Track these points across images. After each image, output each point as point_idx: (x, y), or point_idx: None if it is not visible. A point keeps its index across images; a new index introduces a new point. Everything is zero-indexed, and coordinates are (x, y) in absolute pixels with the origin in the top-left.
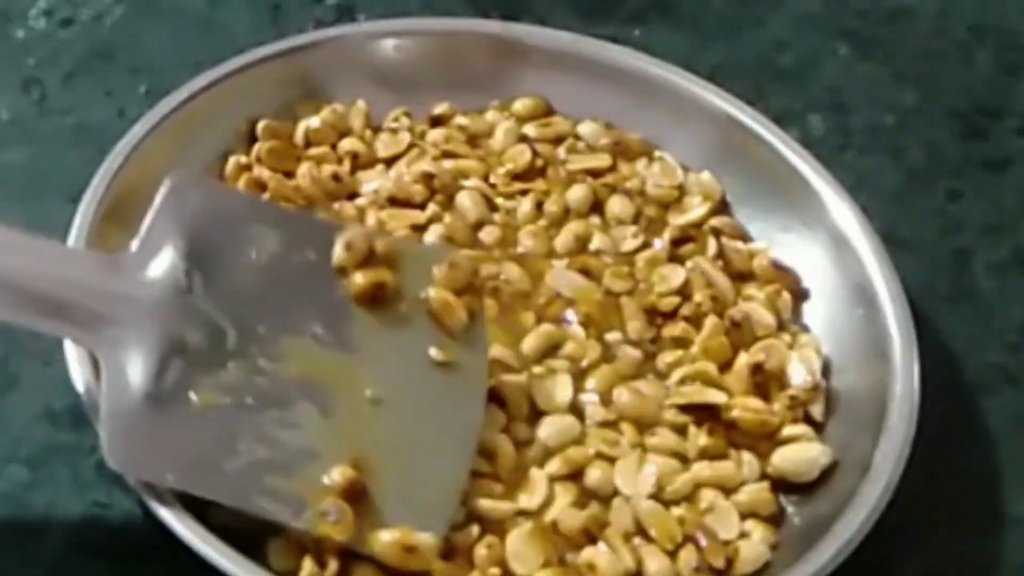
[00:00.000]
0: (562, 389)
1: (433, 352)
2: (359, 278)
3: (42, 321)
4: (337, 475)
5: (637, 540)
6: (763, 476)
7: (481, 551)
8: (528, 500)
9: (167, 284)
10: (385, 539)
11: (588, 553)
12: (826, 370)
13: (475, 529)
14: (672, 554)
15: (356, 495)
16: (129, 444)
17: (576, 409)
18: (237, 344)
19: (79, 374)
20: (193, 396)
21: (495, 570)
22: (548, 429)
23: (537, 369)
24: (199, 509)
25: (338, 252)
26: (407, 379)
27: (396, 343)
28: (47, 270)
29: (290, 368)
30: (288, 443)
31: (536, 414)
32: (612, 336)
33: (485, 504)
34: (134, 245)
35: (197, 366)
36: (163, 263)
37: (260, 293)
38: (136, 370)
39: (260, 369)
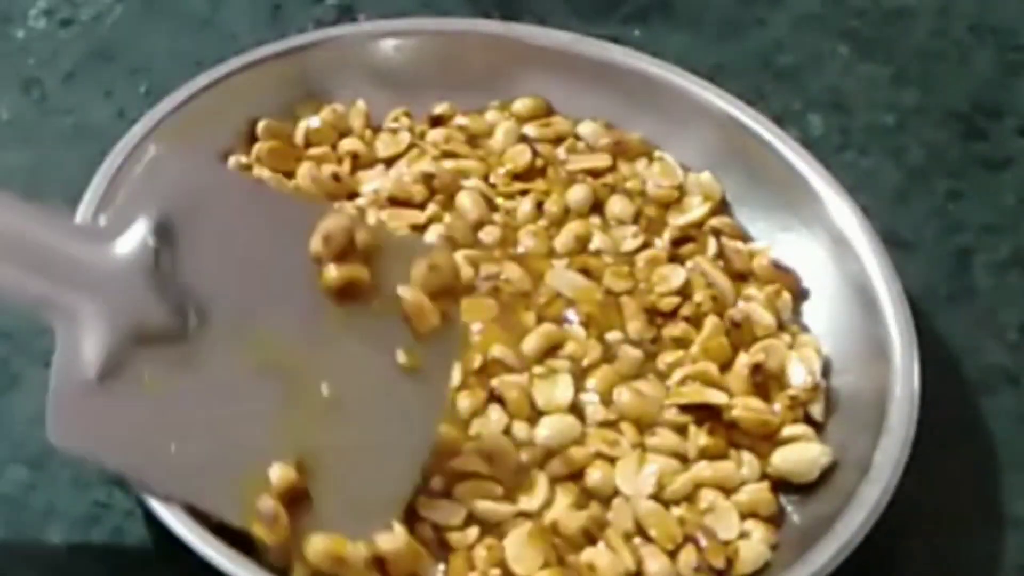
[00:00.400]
0: (562, 389)
1: (399, 355)
2: (332, 272)
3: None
4: (278, 475)
5: (637, 540)
6: (763, 476)
7: (481, 552)
8: (528, 502)
9: (134, 259)
10: (316, 547)
11: (588, 554)
12: (826, 370)
13: (473, 532)
14: (672, 554)
15: (295, 497)
16: (73, 421)
17: (576, 409)
18: (198, 328)
19: None
20: (144, 378)
21: (495, 571)
22: (548, 429)
23: (538, 369)
24: (199, 509)
25: (315, 241)
26: (368, 380)
27: (363, 341)
28: (12, 225)
29: (249, 357)
30: (234, 436)
31: (537, 414)
32: (612, 336)
33: (485, 506)
34: (108, 215)
35: (153, 347)
36: (134, 237)
37: (230, 276)
38: (90, 345)
39: (217, 356)
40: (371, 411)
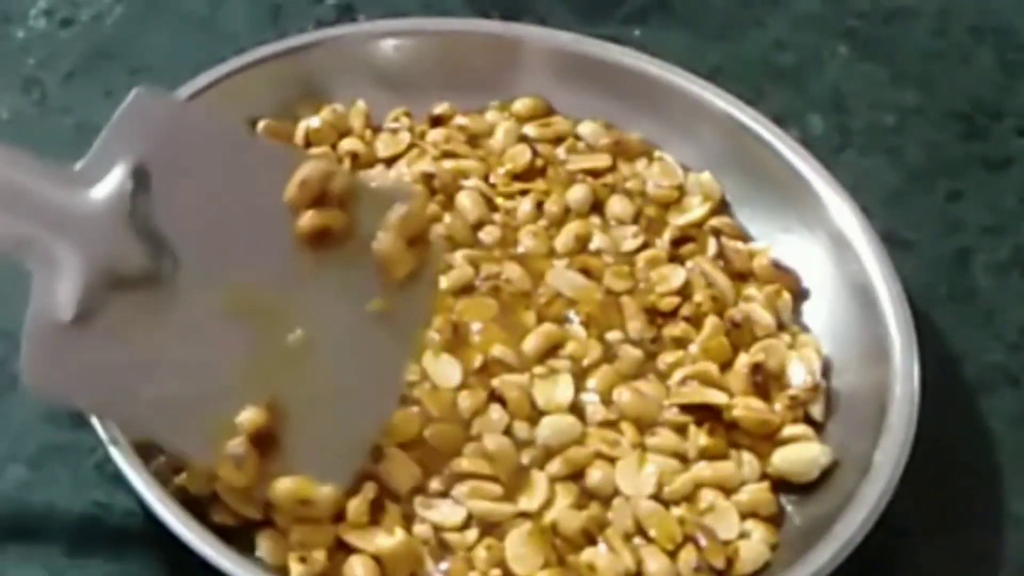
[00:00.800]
0: (563, 389)
1: (371, 302)
2: (306, 219)
3: None
4: (248, 418)
5: (637, 540)
6: (763, 476)
7: (481, 552)
8: (528, 502)
9: (111, 204)
10: (282, 488)
11: (588, 554)
12: (826, 370)
13: (472, 533)
14: (672, 554)
15: (265, 440)
16: (47, 362)
17: (577, 409)
18: (172, 272)
19: None
20: (118, 320)
21: (496, 571)
22: (548, 429)
23: (538, 369)
24: (199, 509)
25: (290, 188)
26: (339, 325)
27: (336, 287)
28: None
29: (222, 301)
30: (206, 378)
31: (537, 414)
32: (613, 336)
33: (485, 506)
34: (85, 158)
35: (127, 291)
36: (111, 181)
37: (206, 221)
38: (65, 287)
39: (190, 300)
40: (341, 356)
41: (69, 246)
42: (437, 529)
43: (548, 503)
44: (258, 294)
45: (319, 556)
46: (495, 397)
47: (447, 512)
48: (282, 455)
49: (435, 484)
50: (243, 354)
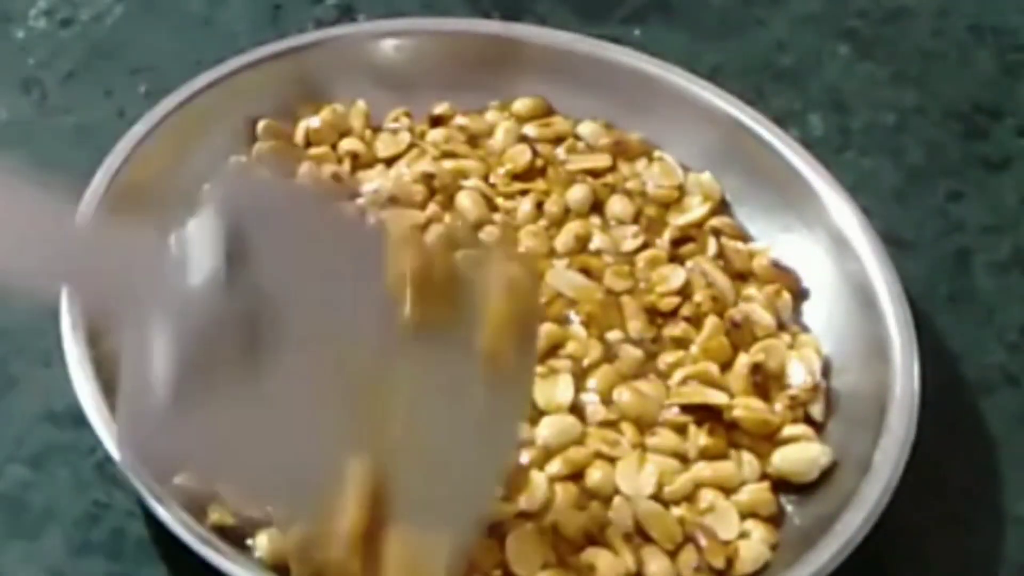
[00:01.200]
0: (563, 389)
1: (475, 389)
2: (412, 312)
3: (78, 288)
4: (347, 521)
5: (637, 540)
6: (763, 476)
7: (481, 552)
8: (528, 502)
9: (206, 274)
10: (394, 553)
11: (589, 554)
12: (826, 370)
13: None
14: (672, 554)
15: (373, 506)
16: (150, 445)
17: (577, 409)
18: (268, 345)
19: (79, 375)
20: (216, 392)
21: (496, 572)
22: (549, 429)
23: (539, 369)
24: (198, 509)
25: (392, 271)
26: (442, 407)
27: (437, 369)
28: (92, 240)
29: (320, 377)
30: (305, 450)
31: (538, 414)
32: (613, 336)
33: None
34: (182, 231)
35: (224, 362)
36: (206, 252)
37: (302, 295)
38: (160, 357)
39: (288, 374)
40: (444, 436)
41: (164, 316)
42: None
43: (548, 503)
44: (360, 365)
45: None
46: None
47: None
48: (386, 523)
49: None
50: (344, 424)
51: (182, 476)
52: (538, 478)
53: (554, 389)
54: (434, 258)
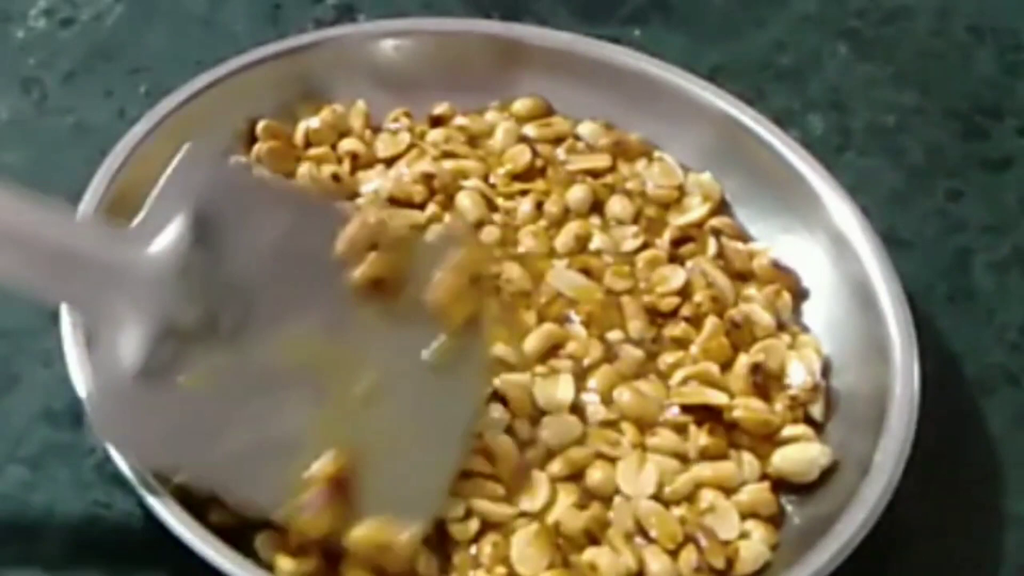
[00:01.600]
0: (564, 389)
1: (429, 351)
2: (359, 271)
3: (41, 283)
4: (322, 467)
5: (638, 540)
6: (763, 476)
7: (486, 548)
8: (530, 502)
9: (167, 262)
10: (360, 534)
11: (590, 553)
12: (826, 370)
13: (474, 524)
14: (673, 554)
15: (339, 489)
16: (116, 418)
17: (577, 409)
18: (232, 328)
19: (79, 375)
20: (182, 377)
21: (501, 569)
22: (549, 429)
23: (539, 369)
24: (199, 509)
25: (341, 243)
26: (402, 375)
27: (393, 339)
28: (52, 234)
29: (283, 356)
30: (275, 432)
31: (539, 414)
32: (613, 336)
33: (487, 507)
34: (139, 218)
35: (189, 347)
36: (166, 240)
37: (261, 278)
38: (128, 345)
39: (252, 355)
40: (408, 404)
41: (128, 302)
42: (438, 521)
43: (550, 504)
44: (321, 346)
45: (312, 555)
46: (496, 396)
47: (448, 505)
48: (356, 504)
49: None
50: (311, 405)
51: (154, 456)
52: (539, 478)
53: (555, 389)
54: (382, 223)
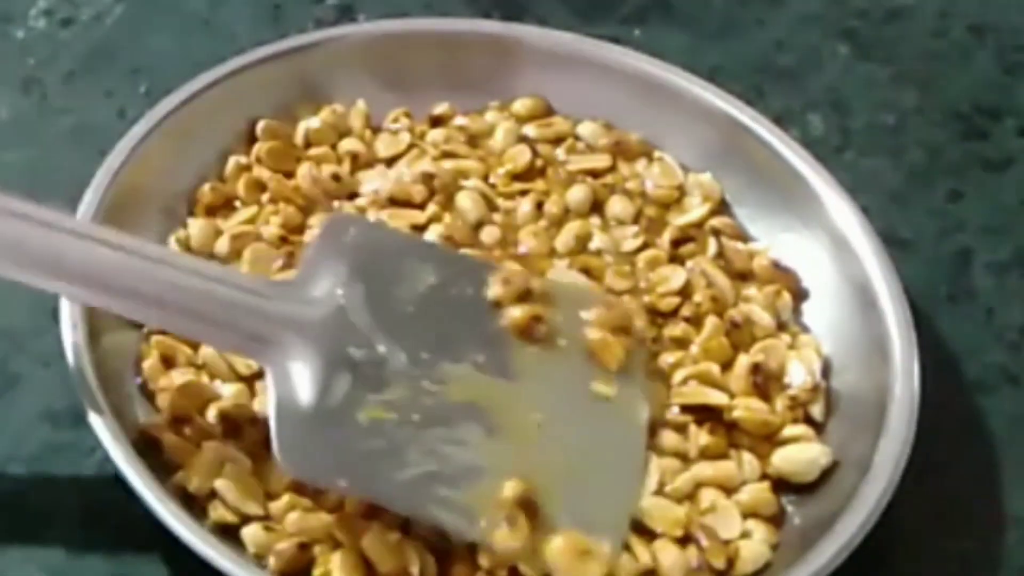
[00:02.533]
0: None
1: (595, 386)
2: (517, 311)
3: (211, 338)
4: (508, 489)
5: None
6: (763, 476)
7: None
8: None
9: (328, 305)
10: (558, 543)
11: None
12: (826, 370)
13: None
14: (682, 542)
15: (528, 508)
16: (300, 451)
17: None
18: (400, 366)
19: (79, 375)
20: (359, 413)
21: (502, 572)
22: None
23: None
24: (198, 509)
25: (495, 287)
26: (569, 408)
27: (556, 375)
28: (215, 291)
29: (452, 391)
30: (455, 458)
31: None
32: None
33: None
34: (297, 271)
35: (361, 384)
36: (324, 288)
37: (419, 322)
38: (303, 385)
39: (423, 390)
40: (580, 434)
41: (299, 347)
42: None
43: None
44: (487, 385)
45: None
46: None
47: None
48: (545, 525)
49: None
50: (484, 436)
51: (343, 482)
52: None
53: None
54: (531, 273)
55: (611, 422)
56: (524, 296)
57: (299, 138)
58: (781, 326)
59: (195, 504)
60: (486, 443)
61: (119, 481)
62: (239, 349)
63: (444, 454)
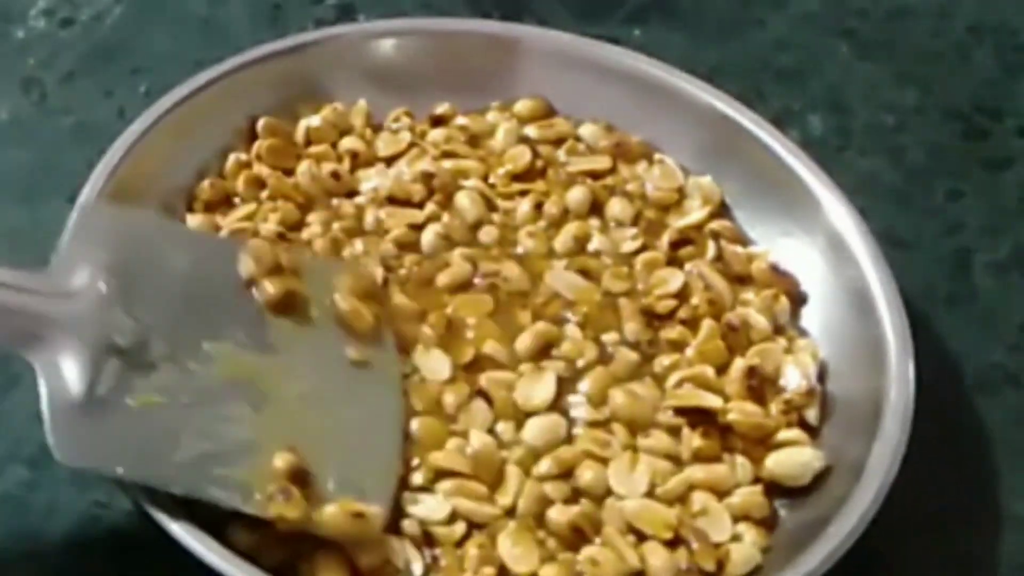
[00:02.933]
0: (544, 387)
1: (348, 352)
2: (270, 286)
3: None
4: (280, 461)
5: (631, 539)
6: (756, 479)
7: (472, 551)
8: (502, 499)
9: (89, 296)
10: (332, 510)
11: (590, 551)
12: (822, 374)
13: (460, 527)
14: (671, 544)
15: (300, 478)
16: (75, 442)
17: (565, 409)
18: (164, 349)
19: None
20: (129, 399)
21: (488, 570)
22: (533, 429)
23: (525, 367)
24: (197, 509)
25: (247, 264)
26: (328, 376)
27: (312, 345)
28: None
29: (217, 370)
30: (227, 435)
31: (524, 415)
32: (608, 337)
33: (468, 505)
34: (52, 263)
35: (129, 370)
36: (82, 277)
37: (179, 304)
38: (72, 375)
39: (189, 371)
40: (340, 400)
41: (63, 339)
42: (423, 524)
43: (533, 499)
44: (248, 360)
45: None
46: (481, 393)
47: (433, 507)
48: (317, 491)
49: (417, 478)
50: (252, 411)
51: (118, 469)
52: (511, 472)
53: (535, 387)
54: (278, 246)
55: (368, 386)
56: (275, 270)
57: (299, 136)
58: (778, 330)
59: (194, 505)
60: (254, 418)
61: (119, 481)
62: (5, 346)
63: (216, 432)
